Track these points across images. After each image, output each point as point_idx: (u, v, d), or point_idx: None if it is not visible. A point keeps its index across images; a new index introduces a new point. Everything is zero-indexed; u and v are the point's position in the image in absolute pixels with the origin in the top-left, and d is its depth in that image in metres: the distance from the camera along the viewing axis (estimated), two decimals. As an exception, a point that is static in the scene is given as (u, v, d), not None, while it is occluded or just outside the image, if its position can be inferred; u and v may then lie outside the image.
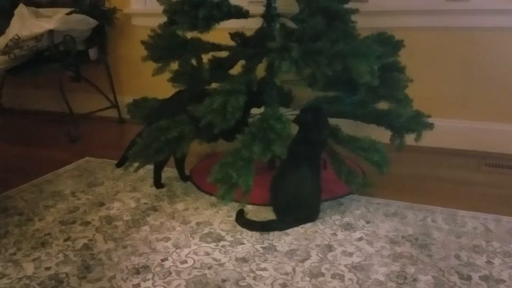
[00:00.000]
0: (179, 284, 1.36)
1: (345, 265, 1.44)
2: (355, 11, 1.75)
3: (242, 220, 1.70)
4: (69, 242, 1.61)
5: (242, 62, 1.94)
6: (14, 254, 1.55)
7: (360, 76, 1.52)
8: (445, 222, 1.68)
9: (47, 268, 1.47)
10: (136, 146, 1.78)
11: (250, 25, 2.02)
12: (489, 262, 1.44)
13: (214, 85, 1.85)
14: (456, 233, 1.61)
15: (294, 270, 1.42)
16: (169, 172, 2.10)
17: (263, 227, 1.67)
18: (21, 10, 2.79)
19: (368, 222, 1.70)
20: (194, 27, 1.78)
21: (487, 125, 2.38)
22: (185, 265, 1.46)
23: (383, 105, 1.89)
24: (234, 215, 1.75)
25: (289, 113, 1.86)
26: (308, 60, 1.53)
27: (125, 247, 1.57)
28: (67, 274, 1.43)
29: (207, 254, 1.52)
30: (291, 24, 1.82)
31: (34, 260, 1.51)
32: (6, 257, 1.54)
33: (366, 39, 1.75)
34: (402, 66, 1.81)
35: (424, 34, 2.38)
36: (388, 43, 1.81)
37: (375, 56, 1.57)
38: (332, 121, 1.89)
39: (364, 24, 1.85)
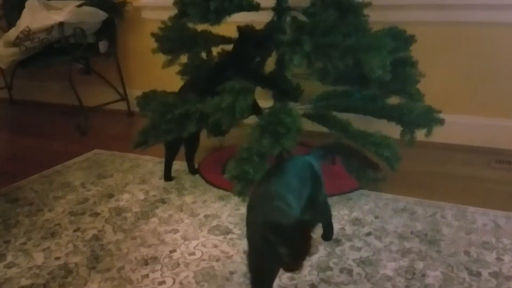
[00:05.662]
0: (187, 276, 1.37)
1: (353, 260, 1.43)
2: (368, 4, 1.73)
3: None
4: (78, 233, 1.63)
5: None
6: (24, 243, 1.57)
7: (372, 70, 1.51)
8: (455, 218, 1.67)
9: (57, 258, 1.48)
10: (145, 125, 1.78)
11: (260, 19, 2.01)
12: (498, 258, 1.43)
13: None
14: (466, 229, 1.60)
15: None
16: (178, 165, 2.10)
17: None
18: (32, 2, 2.81)
19: (376, 217, 1.69)
20: (205, 19, 1.77)
21: (499, 122, 2.36)
22: (193, 257, 1.46)
23: (393, 100, 1.88)
24: (242, 208, 1.75)
25: (298, 107, 1.86)
26: (320, 53, 1.51)
27: (134, 238, 1.58)
28: (76, 264, 1.44)
29: (215, 246, 1.52)
30: (302, 18, 1.80)
31: (44, 250, 1.53)
32: (16, 246, 1.55)
33: (378, 33, 1.74)
34: (414, 61, 1.79)
35: (435, 29, 2.35)
36: (399, 38, 1.79)
37: (387, 50, 1.55)
38: (343, 115, 1.88)
39: (375, 18, 1.83)
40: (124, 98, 3.17)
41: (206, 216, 1.72)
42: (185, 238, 1.57)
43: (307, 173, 1.34)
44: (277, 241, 0.99)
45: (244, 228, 1.60)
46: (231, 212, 1.75)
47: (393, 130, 1.82)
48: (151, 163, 2.25)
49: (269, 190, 1.23)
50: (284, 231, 1.00)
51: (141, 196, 1.90)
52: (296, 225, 1.03)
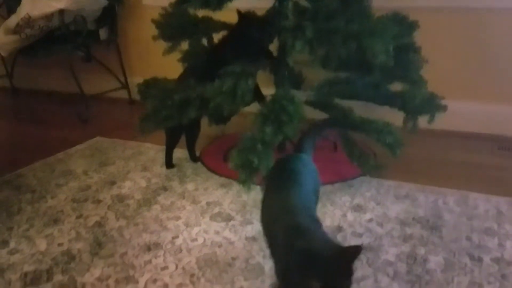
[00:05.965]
0: (190, 261, 1.37)
1: (355, 246, 1.44)
2: (370, -10, 1.72)
3: None
4: (81, 220, 1.63)
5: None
6: (27, 230, 1.57)
7: (375, 56, 1.50)
8: (457, 204, 1.67)
9: (60, 244, 1.49)
10: (146, 110, 1.77)
11: (261, 4, 1.99)
12: (500, 244, 1.43)
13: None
14: (468, 215, 1.60)
15: (304, 249, 1.42)
16: (179, 153, 2.10)
17: None
18: (32, -11, 2.79)
19: (378, 204, 1.69)
20: (206, 5, 1.75)
21: (501, 108, 2.35)
22: (195, 243, 1.47)
23: (395, 87, 1.87)
24: (243, 195, 1.76)
25: (300, 95, 1.85)
26: (322, 39, 1.50)
27: (136, 224, 1.59)
28: (79, 250, 1.45)
29: (217, 233, 1.53)
30: (304, 3, 1.78)
31: (46, 236, 1.53)
32: (19, 233, 1.56)
33: (381, 19, 1.72)
34: (418, 47, 1.77)
35: (439, 15, 2.33)
36: (402, 24, 1.77)
37: (390, 36, 1.54)
38: (345, 102, 1.87)
39: (378, 4, 1.81)
40: (125, 86, 3.17)
41: (208, 203, 1.72)
42: (187, 225, 1.58)
43: (311, 173, 1.31)
44: (313, 275, 0.86)
45: (246, 216, 1.62)
46: (233, 199, 1.75)
47: (395, 117, 1.81)
48: (152, 150, 2.25)
49: (291, 204, 1.11)
50: (323, 263, 0.86)
51: (143, 183, 1.91)
52: (337, 257, 0.88)
